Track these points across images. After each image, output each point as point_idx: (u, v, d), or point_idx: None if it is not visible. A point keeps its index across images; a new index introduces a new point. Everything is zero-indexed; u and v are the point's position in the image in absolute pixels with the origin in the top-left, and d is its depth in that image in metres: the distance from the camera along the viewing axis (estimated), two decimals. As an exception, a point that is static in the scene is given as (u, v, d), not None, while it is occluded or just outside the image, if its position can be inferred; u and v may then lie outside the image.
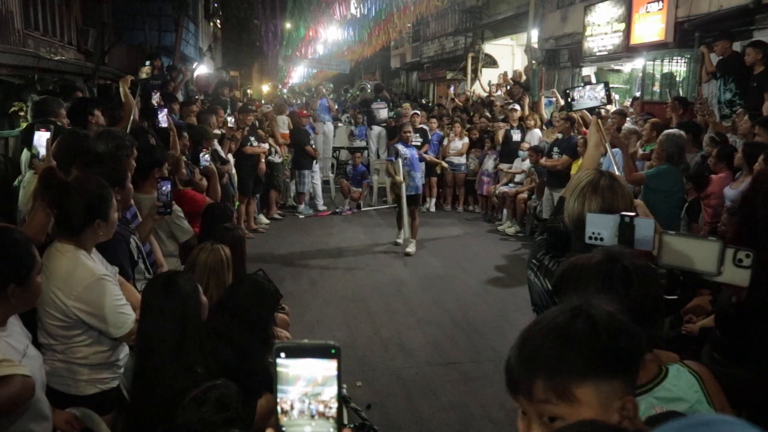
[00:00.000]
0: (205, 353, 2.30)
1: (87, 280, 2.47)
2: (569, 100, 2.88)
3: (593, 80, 11.99)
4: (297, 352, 0.93)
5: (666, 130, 6.02)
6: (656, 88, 9.21)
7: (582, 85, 3.03)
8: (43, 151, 3.00)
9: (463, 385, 4.71)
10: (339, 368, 0.92)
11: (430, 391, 4.63)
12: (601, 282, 1.47)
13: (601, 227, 1.76)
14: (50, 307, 2.45)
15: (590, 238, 1.79)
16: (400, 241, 8.62)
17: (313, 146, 10.61)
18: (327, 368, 0.93)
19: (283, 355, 0.93)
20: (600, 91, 2.80)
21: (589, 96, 2.83)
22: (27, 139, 3.93)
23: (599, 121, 2.62)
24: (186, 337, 2.21)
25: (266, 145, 9.48)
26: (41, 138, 3.00)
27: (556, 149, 8.32)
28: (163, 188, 3.63)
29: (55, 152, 3.08)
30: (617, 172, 2.48)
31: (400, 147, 8.27)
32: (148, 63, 9.54)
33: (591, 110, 2.92)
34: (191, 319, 2.26)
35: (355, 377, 4.70)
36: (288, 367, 0.93)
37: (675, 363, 1.59)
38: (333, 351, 0.92)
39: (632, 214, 1.75)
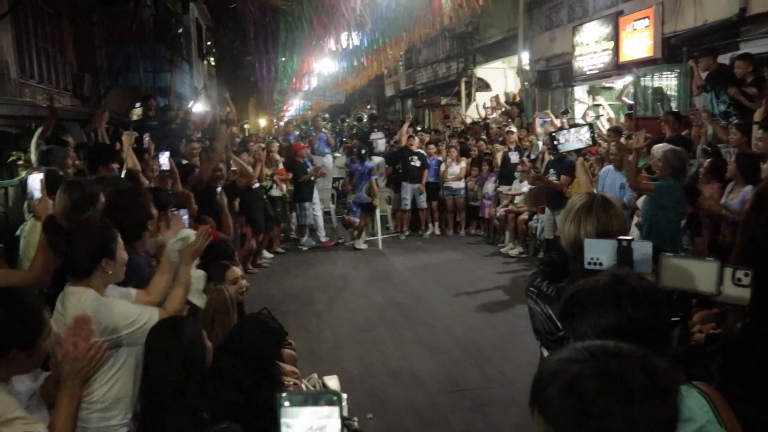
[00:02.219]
0: (210, 397, 2.29)
1: (94, 305, 2.46)
2: (555, 143, 2.94)
3: (587, 98, 12.15)
4: (300, 401, 0.96)
5: (661, 144, 6.03)
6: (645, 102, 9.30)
7: (567, 128, 3.11)
8: (38, 194, 3.04)
9: (475, 412, 4.66)
10: (341, 411, 0.95)
11: (442, 419, 4.59)
12: (609, 303, 1.47)
13: (599, 252, 1.78)
14: None
15: (589, 263, 1.80)
16: (360, 245, 10.25)
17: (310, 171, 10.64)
18: (329, 413, 0.95)
19: (286, 404, 0.95)
20: (585, 133, 2.87)
21: (575, 138, 2.89)
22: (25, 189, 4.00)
23: (584, 162, 2.67)
24: (190, 382, 2.21)
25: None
26: (34, 180, 3.06)
27: (552, 170, 8.32)
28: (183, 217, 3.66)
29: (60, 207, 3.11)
30: None
31: (353, 164, 10.46)
32: (138, 105, 9.66)
33: (577, 152, 2.99)
34: (195, 364, 2.25)
35: (365, 410, 4.65)
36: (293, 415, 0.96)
37: (684, 384, 1.59)
38: (335, 398, 0.95)
39: (629, 237, 1.77)
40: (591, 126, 2.97)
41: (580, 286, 1.57)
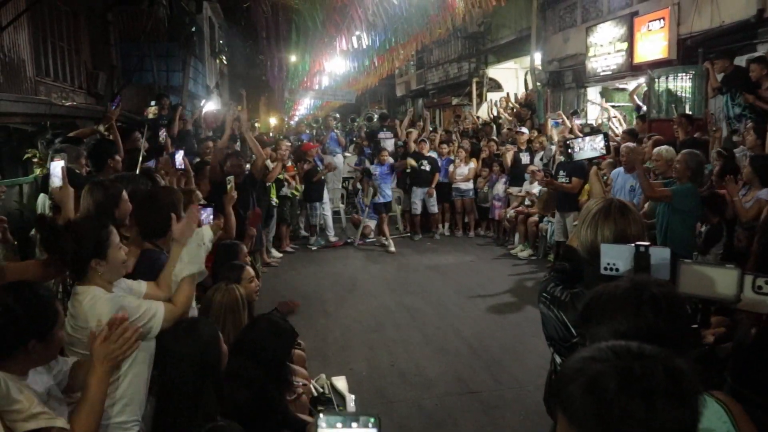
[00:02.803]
0: (224, 400, 2.28)
1: (107, 304, 2.46)
2: (569, 150, 2.93)
3: (598, 99, 12.08)
4: (335, 423, 0.96)
5: (665, 146, 6.00)
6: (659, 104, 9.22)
7: (582, 136, 3.09)
8: (58, 181, 3.05)
9: (484, 415, 4.64)
10: None
11: (450, 422, 4.56)
12: (629, 309, 1.46)
13: (615, 258, 1.76)
14: (83, 348, 2.43)
15: (605, 269, 1.78)
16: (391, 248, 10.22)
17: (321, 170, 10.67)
18: None
19: (323, 425, 0.95)
20: (599, 142, 2.87)
21: (589, 146, 2.89)
22: (45, 185, 4.03)
23: (597, 171, 2.65)
24: (204, 385, 2.20)
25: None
26: (56, 168, 3.06)
27: (562, 172, 8.28)
28: (205, 216, 3.66)
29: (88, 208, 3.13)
30: None
31: (372, 167, 10.58)
32: (153, 103, 9.71)
33: (591, 160, 2.97)
34: (210, 367, 2.24)
35: (374, 411, 4.64)
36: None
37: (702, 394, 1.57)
38: (372, 420, 0.94)
39: (647, 243, 1.75)
40: (605, 135, 2.96)
41: (599, 291, 1.56)
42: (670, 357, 1.07)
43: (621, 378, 1.02)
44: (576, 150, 2.91)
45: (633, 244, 1.76)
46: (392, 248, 10.10)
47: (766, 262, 2.39)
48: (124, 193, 3.31)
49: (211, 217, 3.62)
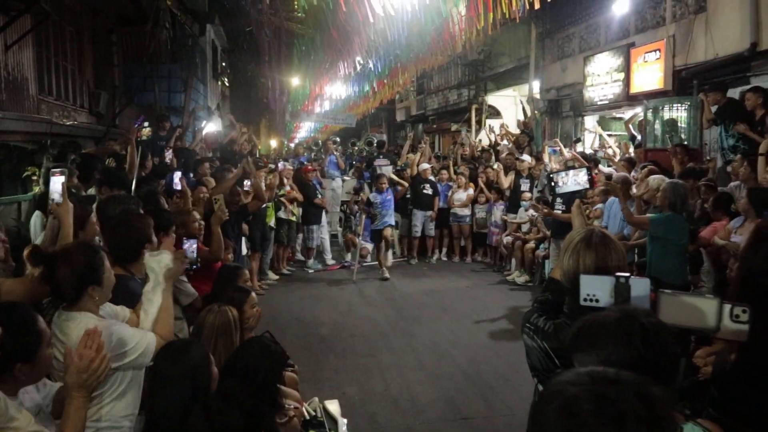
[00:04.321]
0: (213, 422, 2.28)
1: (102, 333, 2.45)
2: (552, 184, 2.98)
3: (598, 129, 12.18)
4: None
5: (658, 175, 6.07)
6: (656, 132, 9.31)
7: (565, 171, 3.14)
8: (58, 197, 3.07)
9: (476, 442, 4.63)
10: None
11: (442, 448, 4.55)
12: (620, 339, 1.48)
13: (595, 288, 1.77)
14: None
15: (585, 300, 1.80)
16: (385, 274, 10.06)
17: (320, 195, 10.73)
18: None
19: None
20: (582, 176, 2.91)
21: (572, 181, 2.94)
22: (42, 205, 4.05)
23: (580, 205, 2.69)
24: (193, 408, 2.20)
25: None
26: (56, 183, 3.08)
27: (559, 200, 8.32)
28: (188, 246, 3.69)
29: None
30: None
31: (373, 196, 10.37)
32: (147, 125, 9.81)
33: (574, 194, 3.02)
34: (200, 390, 2.25)
35: (365, 436, 4.63)
36: None
37: (689, 422, 1.59)
38: None
39: (627, 274, 1.77)
40: (588, 169, 3.03)
41: (589, 320, 1.57)
42: (645, 384, 1.10)
43: (594, 402, 1.05)
44: (560, 184, 2.97)
45: (613, 275, 1.78)
46: (386, 275, 10.03)
47: (745, 289, 2.41)
48: (93, 216, 3.32)
49: (195, 246, 3.63)
